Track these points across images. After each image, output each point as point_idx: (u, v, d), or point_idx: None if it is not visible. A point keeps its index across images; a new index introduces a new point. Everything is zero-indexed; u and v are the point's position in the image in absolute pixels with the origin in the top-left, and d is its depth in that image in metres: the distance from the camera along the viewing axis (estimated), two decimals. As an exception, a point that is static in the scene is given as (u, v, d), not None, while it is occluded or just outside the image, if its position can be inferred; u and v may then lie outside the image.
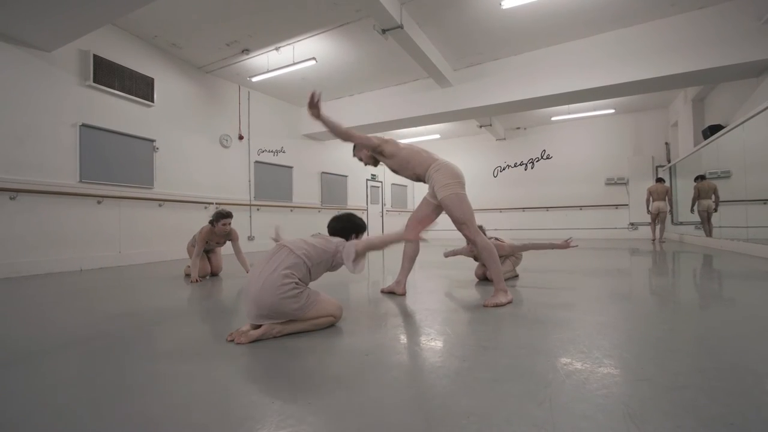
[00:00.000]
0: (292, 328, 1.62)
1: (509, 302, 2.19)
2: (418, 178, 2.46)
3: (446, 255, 3.28)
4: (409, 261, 2.59)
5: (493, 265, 2.25)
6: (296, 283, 1.58)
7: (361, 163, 2.65)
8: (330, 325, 1.74)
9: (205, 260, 3.61)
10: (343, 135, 2.26)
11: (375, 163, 2.55)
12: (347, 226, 1.94)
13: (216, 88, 6.44)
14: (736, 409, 0.95)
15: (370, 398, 1.05)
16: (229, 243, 3.67)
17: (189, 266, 3.72)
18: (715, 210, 6.15)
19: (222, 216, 3.43)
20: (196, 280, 3.31)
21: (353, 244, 1.70)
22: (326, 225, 1.96)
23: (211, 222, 3.46)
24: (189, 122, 5.94)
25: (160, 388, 1.14)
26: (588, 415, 0.93)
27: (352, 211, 2.20)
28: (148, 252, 5.18)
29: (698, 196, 6.32)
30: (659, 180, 7.82)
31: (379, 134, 2.56)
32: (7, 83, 3.94)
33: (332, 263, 1.74)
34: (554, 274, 3.43)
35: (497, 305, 2.13)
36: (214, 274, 3.68)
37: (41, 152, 4.17)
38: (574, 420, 0.91)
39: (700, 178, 6.30)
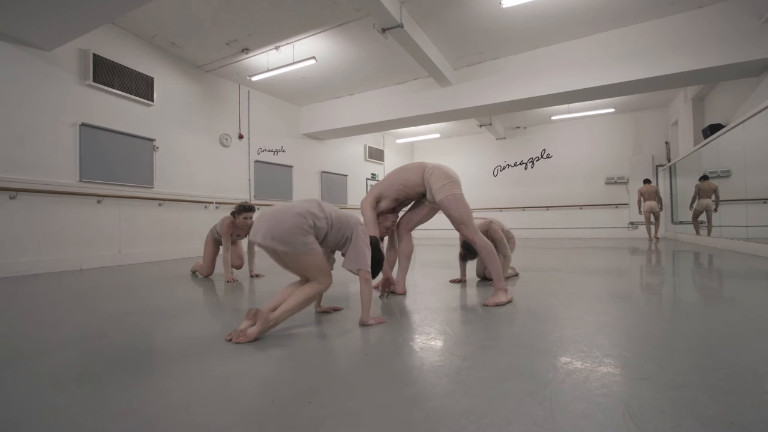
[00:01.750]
0: (285, 308, 1.63)
1: (509, 301, 2.19)
2: (420, 193, 2.42)
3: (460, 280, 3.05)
4: (406, 259, 2.59)
5: (492, 264, 2.25)
6: (311, 225, 1.67)
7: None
8: (319, 294, 1.74)
9: (208, 260, 3.59)
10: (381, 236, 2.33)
11: (395, 215, 2.54)
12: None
13: (216, 88, 6.43)
14: (736, 408, 0.95)
15: (370, 397, 1.05)
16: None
17: (198, 263, 3.70)
18: (715, 210, 6.19)
19: (244, 209, 3.44)
20: (232, 279, 3.26)
21: (368, 259, 1.79)
22: None
23: (232, 214, 3.45)
24: (189, 121, 5.93)
25: (160, 388, 1.14)
26: (588, 413, 0.93)
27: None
28: (148, 251, 5.18)
29: (698, 195, 6.38)
30: (647, 181, 8.10)
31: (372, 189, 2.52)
32: (6, 82, 3.94)
33: (344, 239, 1.82)
34: (554, 274, 3.43)
35: (497, 304, 2.13)
36: (236, 267, 3.60)
37: (41, 152, 4.17)
38: (573, 419, 0.91)
39: (703, 178, 6.36)
